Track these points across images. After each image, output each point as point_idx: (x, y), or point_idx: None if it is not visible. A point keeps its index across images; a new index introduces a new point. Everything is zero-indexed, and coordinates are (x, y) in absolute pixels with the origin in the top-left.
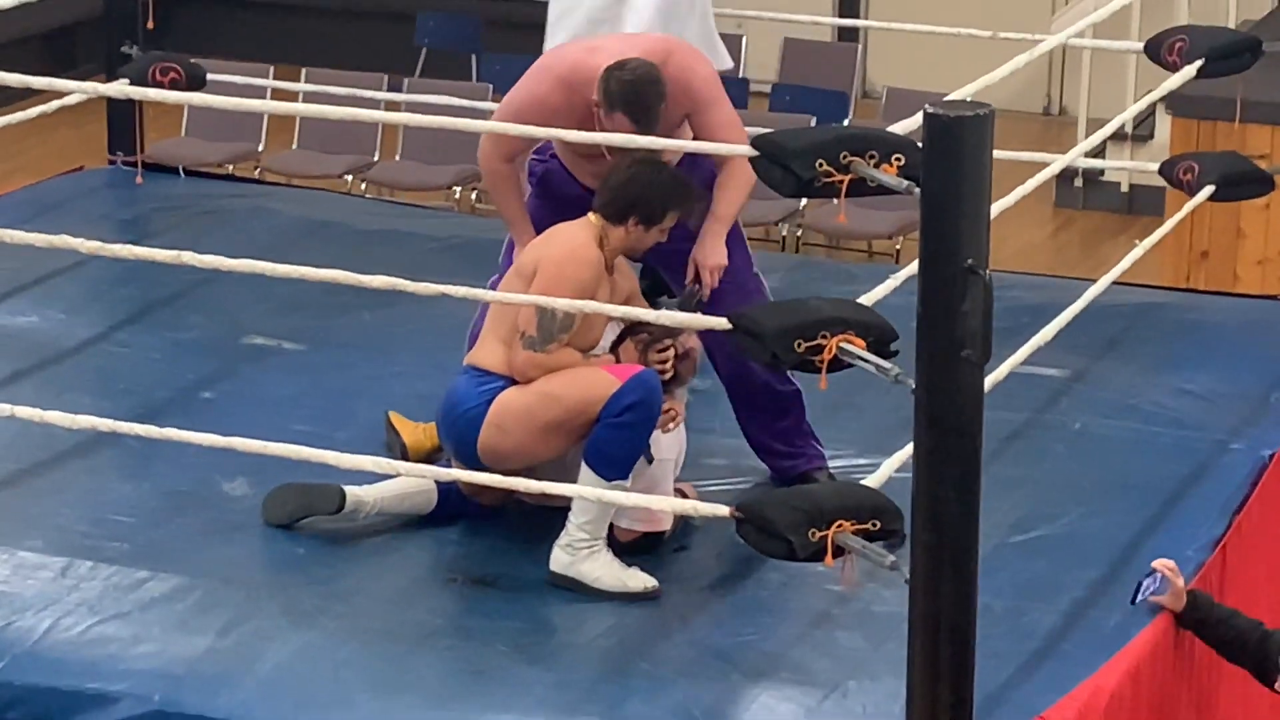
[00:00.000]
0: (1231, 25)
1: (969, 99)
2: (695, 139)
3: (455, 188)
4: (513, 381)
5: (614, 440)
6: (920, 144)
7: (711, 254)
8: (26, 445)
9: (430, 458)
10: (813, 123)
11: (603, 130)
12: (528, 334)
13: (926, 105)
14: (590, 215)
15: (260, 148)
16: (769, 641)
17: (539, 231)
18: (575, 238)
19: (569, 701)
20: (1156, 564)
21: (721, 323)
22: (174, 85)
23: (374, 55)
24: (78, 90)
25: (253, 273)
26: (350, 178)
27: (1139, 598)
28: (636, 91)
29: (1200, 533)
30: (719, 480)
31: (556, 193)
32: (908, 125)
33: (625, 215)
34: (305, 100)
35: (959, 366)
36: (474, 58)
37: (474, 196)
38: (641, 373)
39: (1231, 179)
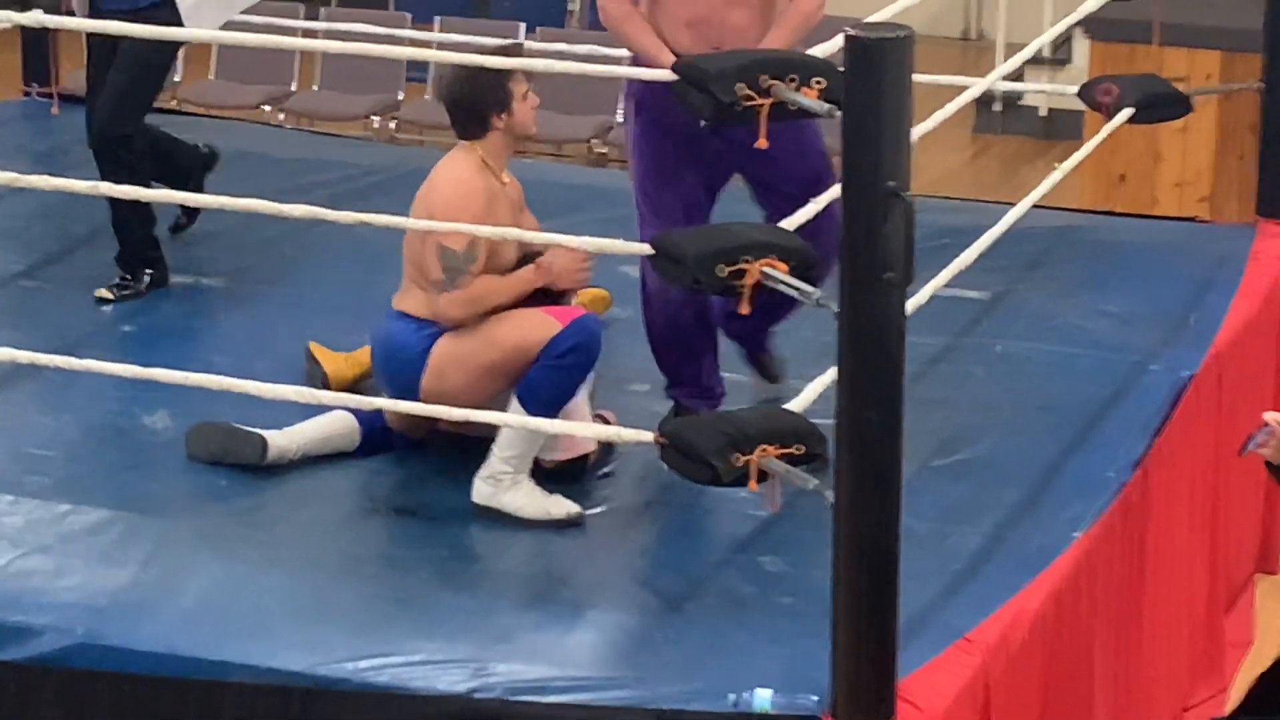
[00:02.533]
0: None
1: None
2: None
3: (374, 117)
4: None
5: (549, 381)
6: (841, 67)
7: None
8: None
9: (352, 387)
10: None
11: None
12: (436, 279)
13: (846, 28)
14: (460, 144)
15: (177, 78)
16: (693, 566)
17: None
18: (455, 172)
19: (493, 629)
20: (1266, 416)
21: (644, 248)
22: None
23: None
24: None
25: (169, 203)
26: (268, 108)
27: (1246, 449)
28: None
29: (1120, 454)
30: (640, 409)
31: (667, 127)
32: (828, 48)
33: (485, 119)
34: (222, 29)
35: (882, 289)
36: None
37: (393, 126)
38: (583, 316)
39: (1150, 101)
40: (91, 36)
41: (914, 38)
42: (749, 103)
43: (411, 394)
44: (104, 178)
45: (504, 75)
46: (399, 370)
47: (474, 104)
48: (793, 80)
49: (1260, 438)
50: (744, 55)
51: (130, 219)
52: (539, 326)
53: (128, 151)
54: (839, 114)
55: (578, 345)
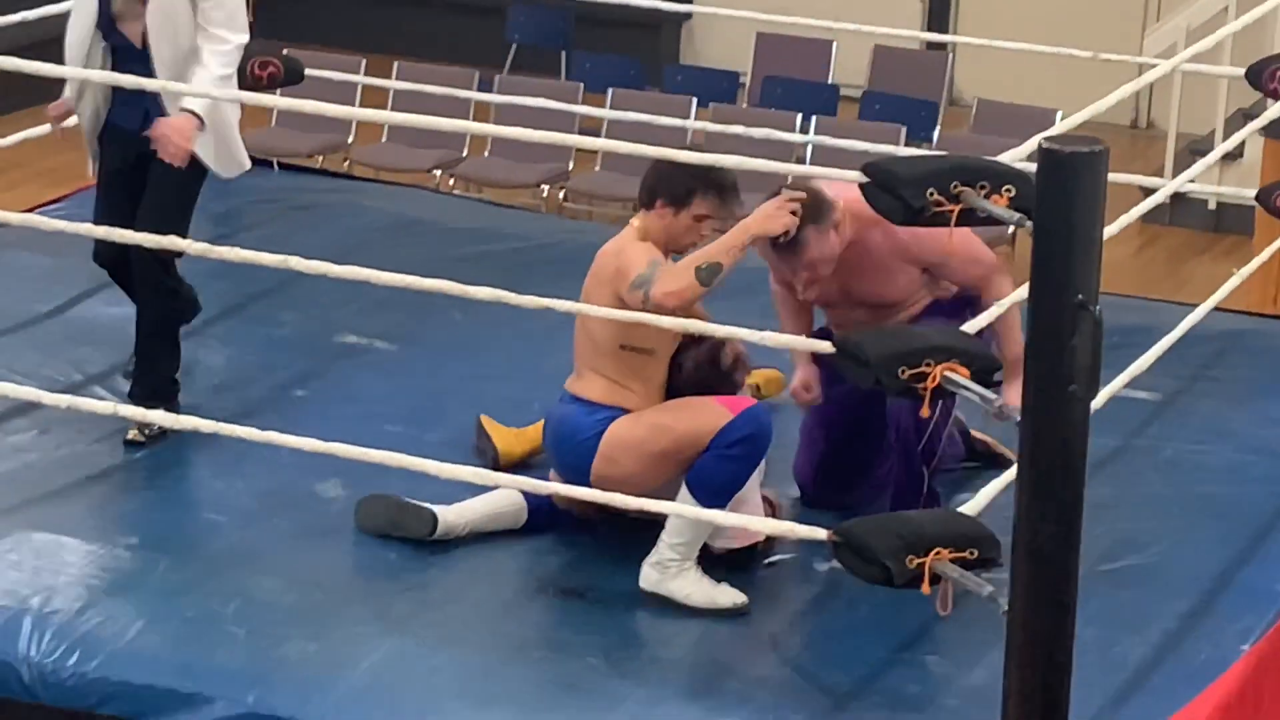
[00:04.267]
0: None
1: (1077, 130)
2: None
3: (544, 186)
4: (622, 410)
5: (720, 471)
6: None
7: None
8: (119, 441)
9: (522, 463)
10: (902, 131)
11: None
12: (634, 277)
13: (1041, 139)
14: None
15: (350, 139)
16: (859, 663)
17: None
18: (620, 243)
19: (660, 717)
20: None
21: (826, 346)
22: (272, 79)
23: (465, 47)
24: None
25: (358, 279)
26: (439, 173)
27: None
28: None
29: None
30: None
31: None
32: (1015, 155)
33: (652, 198)
34: (396, 96)
35: (1066, 401)
36: (564, 54)
37: (561, 195)
38: (754, 406)
39: None
40: (107, 156)
41: (1107, 153)
42: (939, 208)
43: (582, 476)
44: (140, 305)
45: (695, 182)
46: (570, 453)
47: (652, 178)
48: (983, 188)
49: None
50: (937, 160)
51: (163, 348)
52: (711, 415)
53: (170, 274)
54: (1029, 224)
55: (749, 436)
